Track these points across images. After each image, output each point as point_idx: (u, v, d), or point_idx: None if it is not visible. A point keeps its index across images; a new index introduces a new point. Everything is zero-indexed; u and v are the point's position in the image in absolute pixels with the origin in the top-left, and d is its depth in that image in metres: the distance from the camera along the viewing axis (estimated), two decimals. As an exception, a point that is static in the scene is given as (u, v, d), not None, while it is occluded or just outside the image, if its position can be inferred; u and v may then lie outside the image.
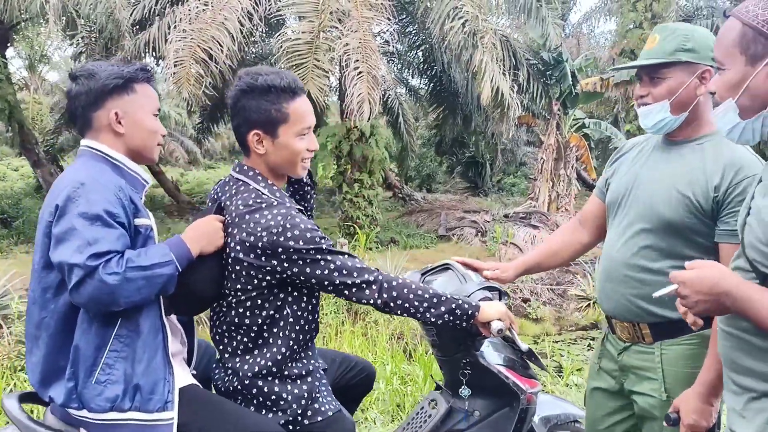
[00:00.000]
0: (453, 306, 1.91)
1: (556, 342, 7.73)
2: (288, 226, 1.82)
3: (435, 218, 14.02)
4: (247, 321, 1.93)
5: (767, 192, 1.47)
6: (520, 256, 2.51)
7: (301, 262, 1.84)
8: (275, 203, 1.88)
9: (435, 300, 1.89)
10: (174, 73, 9.91)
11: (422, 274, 2.28)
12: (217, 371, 2.07)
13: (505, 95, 10.59)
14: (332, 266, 1.85)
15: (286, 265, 1.84)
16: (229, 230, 1.91)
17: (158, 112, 1.99)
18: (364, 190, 12.13)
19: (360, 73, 10.23)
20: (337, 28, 10.57)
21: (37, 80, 30.77)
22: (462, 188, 21.16)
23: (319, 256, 1.84)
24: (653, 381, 2.02)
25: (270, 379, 1.95)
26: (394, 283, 1.88)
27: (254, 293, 1.90)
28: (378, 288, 1.87)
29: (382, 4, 10.79)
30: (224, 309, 1.98)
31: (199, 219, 1.95)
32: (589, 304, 9.00)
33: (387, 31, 14.57)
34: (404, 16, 14.25)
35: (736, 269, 1.52)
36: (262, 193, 1.92)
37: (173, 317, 2.06)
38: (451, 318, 1.91)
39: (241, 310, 1.93)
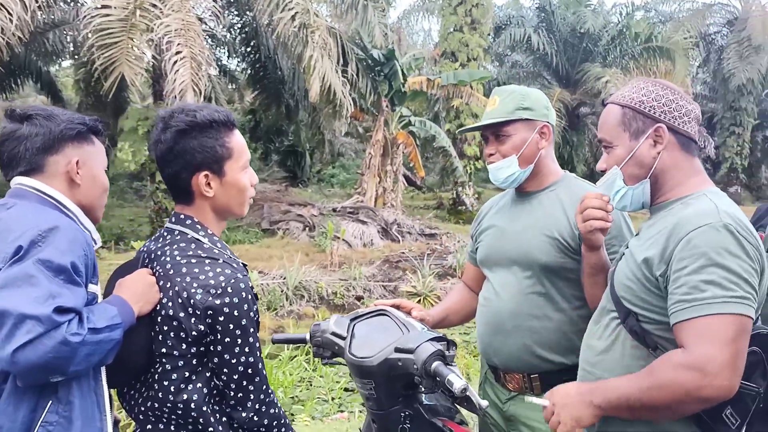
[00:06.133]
0: None
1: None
2: (229, 290, 1.61)
3: (257, 210, 13.56)
4: (171, 398, 1.64)
5: (639, 238, 1.72)
6: (433, 308, 2.47)
7: (225, 338, 1.62)
8: (219, 259, 1.68)
9: None
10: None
11: (351, 320, 2.06)
12: None
13: (338, 93, 10.47)
14: (248, 359, 1.65)
15: (209, 333, 1.62)
16: (161, 284, 1.68)
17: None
18: (180, 180, 11.37)
19: (183, 57, 9.55)
20: (156, 6, 9.76)
21: None
22: (280, 178, 20.79)
23: (241, 341, 1.63)
24: None
25: None
26: (274, 411, 1.73)
27: (181, 362, 1.64)
28: (264, 410, 1.70)
29: (207, -17, 10.17)
30: (149, 381, 1.68)
31: (129, 275, 1.71)
32: (420, 299, 9.25)
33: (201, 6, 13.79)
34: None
35: (601, 310, 1.77)
36: (203, 243, 1.71)
37: None
38: None
39: (166, 383, 1.65)
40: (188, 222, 1.74)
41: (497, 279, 2.20)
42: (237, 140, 1.75)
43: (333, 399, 5.71)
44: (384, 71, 13.01)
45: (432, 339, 1.83)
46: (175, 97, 9.36)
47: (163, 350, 1.65)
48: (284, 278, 9.05)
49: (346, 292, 9.32)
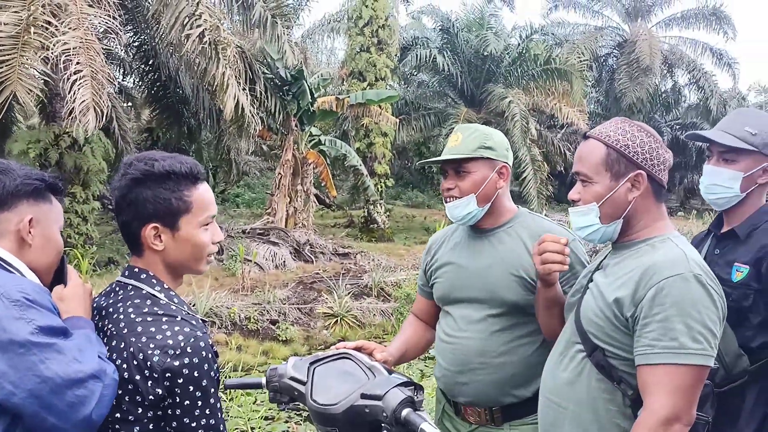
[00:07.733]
0: None
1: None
2: (189, 350, 1.53)
3: (161, 234, 13.08)
4: None
5: (606, 275, 1.79)
6: (391, 345, 2.39)
7: (185, 401, 1.54)
8: (177, 317, 1.59)
9: None
10: None
11: (311, 364, 1.95)
12: None
13: (246, 111, 10.30)
14: (209, 421, 1.57)
15: (167, 396, 1.53)
16: (114, 344, 1.57)
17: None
18: (76, 204, 10.83)
19: (83, 77, 9.13)
20: (51, 23, 9.28)
21: None
22: (184, 198, 20.16)
23: (202, 403, 1.55)
24: None
25: None
26: None
27: (137, 428, 1.55)
28: None
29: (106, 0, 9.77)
30: None
31: (65, 288, 1.66)
32: (337, 320, 9.18)
33: (98, 25, 13.24)
34: (122, 12, 13.08)
35: (566, 341, 1.84)
36: (159, 300, 1.62)
37: None
38: None
39: None
40: (143, 276, 1.65)
41: (460, 314, 2.23)
42: (199, 194, 1.67)
43: (252, 429, 5.56)
44: (292, 90, 12.92)
45: (400, 384, 1.78)
46: (75, 117, 8.94)
47: (117, 415, 1.54)
48: (194, 305, 8.73)
49: (260, 316, 9.10)
